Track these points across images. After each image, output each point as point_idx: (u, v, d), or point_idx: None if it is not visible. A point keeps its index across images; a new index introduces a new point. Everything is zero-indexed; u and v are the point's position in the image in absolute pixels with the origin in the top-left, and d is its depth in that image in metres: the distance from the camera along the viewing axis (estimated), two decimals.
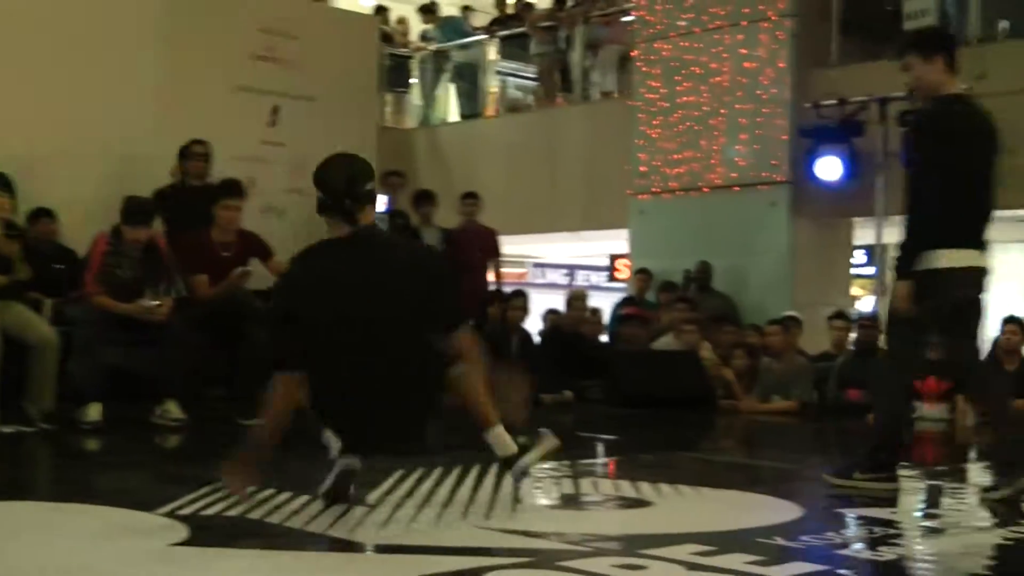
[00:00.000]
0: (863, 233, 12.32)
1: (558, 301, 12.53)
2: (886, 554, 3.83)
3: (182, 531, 3.73)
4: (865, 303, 14.25)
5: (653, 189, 13.05)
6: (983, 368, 5.24)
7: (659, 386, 9.75)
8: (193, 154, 8.92)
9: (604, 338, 11.81)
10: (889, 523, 4.43)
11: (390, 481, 4.77)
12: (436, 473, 4.92)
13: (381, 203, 10.66)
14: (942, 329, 5.22)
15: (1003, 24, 11.63)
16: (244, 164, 9.67)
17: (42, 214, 8.51)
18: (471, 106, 16.18)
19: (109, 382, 7.04)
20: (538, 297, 12.16)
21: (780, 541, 3.93)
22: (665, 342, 10.85)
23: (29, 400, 6.84)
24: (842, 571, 3.56)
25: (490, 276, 11.21)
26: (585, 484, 5.22)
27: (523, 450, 4.26)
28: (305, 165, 10.37)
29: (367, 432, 4.18)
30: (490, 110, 16.24)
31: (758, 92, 12.26)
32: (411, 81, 16.67)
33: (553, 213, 14.65)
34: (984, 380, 5.35)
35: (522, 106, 16.42)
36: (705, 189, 12.63)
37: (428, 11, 16.78)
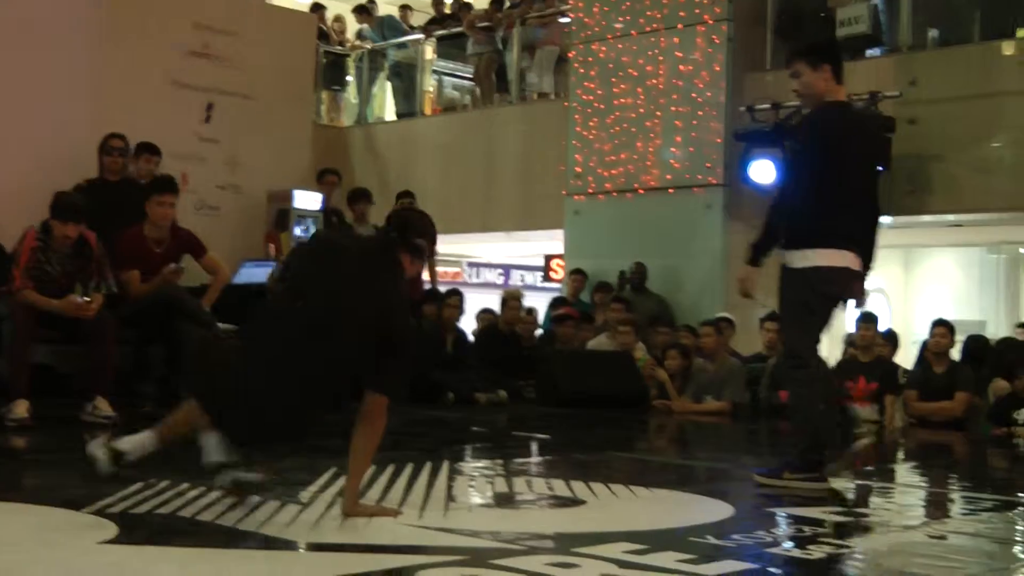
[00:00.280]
0: None
1: (493, 301, 12.53)
2: (816, 553, 3.87)
3: (112, 529, 3.69)
4: None
5: (588, 190, 13.11)
6: (812, 364, 5.47)
7: (593, 386, 9.79)
8: (110, 148, 8.75)
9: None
10: (819, 522, 4.48)
11: (323, 479, 4.75)
12: (369, 472, 4.91)
13: (316, 201, 10.63)
14: (788, 322, 5.56)
15: (933, 33, 11.81)
16: (178, 160, 9.57)
17: None
18: (407, 105, 16.17)
19: (37, 379, 6.94)
20: (472, 297, 12.15)
21: (712, 540, 3.96)
22: (599, 342, 10.90)
23: None
24: (773, 569, 3.60)
25: (425, 275, 11.18)
26: (519, 483, 5.22)
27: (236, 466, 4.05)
28: (240, 162, 10.51)
29: (273, 421, 4.06)
30: (427, 109, 16.22)
31: (693, 95, 12.35)
32: (347, 79, 16.61)
33: (488, 213, 14.67)
34: (811, 379, 5.46)
35: (458, 106, 16.43)
36: (640, 191, 12.71)
37: (363, 11, 16.72)
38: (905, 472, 7.33)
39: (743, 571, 3.55)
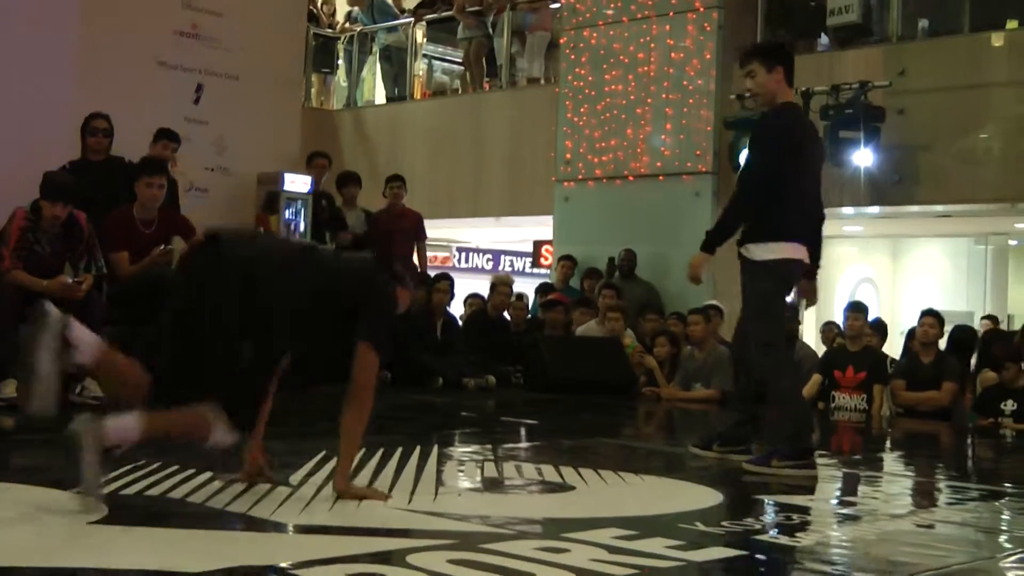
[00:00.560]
0: None
1: (481, 286, 12.53)
2: (803, 540, 3.90)
3: (101, 509, 3.68)
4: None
5: (578, 176, 13.10)
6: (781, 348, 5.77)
7: (582, 372, 9.79)
8: (94, 129, 8.65)
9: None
10: (806, 510, 4.50)
11: (312, 462, 4.76)
12: (359, 456, 4.91)
13: (305, 184, 10.61)
14: (754, 313, 5.71)
15: (923, 23, 11.83)
16: None
17: None
18: (397, 89, 16.12)
19: None
20: (461, 282, 12.15)
21: (700, 526, 3.98)
22: (588, 328, 10.90)
23: None
24: (760, 556, 3.61)
25: (415, 259, 11.18)
26: (508, 468, 5.23)
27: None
28: (228, 144, 10.47)
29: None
30: (416, 93, 16.18)
31: (684, 82, 12.34)
32: (337, 62, 16.56)
33: (478, 198, 14.65)
34: (783, 362, 5.77)
35: (448, 90, 16.39)
36: (630, 177, 12.70)
37: None
38: (892, 461, 7.35)
39: (732, 558, 3.56)
